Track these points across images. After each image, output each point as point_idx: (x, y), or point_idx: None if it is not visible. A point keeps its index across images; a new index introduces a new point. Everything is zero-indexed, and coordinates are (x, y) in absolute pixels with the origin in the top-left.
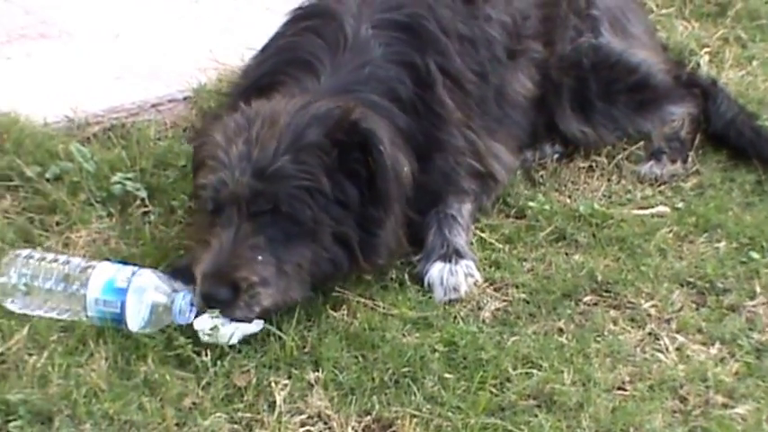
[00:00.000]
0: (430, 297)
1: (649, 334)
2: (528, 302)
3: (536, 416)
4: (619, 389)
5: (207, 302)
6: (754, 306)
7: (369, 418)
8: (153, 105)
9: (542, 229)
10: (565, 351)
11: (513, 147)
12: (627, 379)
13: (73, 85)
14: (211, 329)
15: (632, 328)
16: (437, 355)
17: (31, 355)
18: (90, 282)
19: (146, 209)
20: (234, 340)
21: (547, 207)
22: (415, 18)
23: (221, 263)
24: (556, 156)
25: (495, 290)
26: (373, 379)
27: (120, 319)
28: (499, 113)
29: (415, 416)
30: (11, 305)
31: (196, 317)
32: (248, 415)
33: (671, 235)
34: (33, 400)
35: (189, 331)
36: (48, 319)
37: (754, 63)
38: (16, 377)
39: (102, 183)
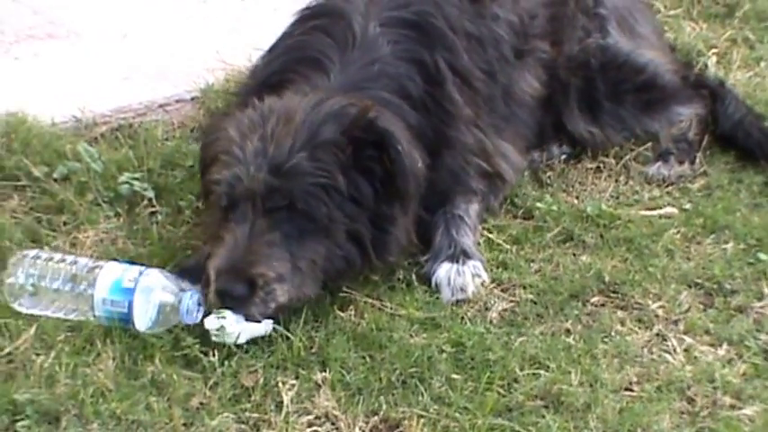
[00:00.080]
0: (437, 298)
1: (657, 335)
2: (535, 303)
3: (543, 416)
4: (626, 390)
5: (222, 299)
6: (761, 307)
7: (376, 418)
8: (160, 105)
9: (550, 230)
10: (572, 352)
11: (520, 146)
12: (634, 380)
13: (81, 86)
14: (218, 329)
15: (640, 328)
16: (444, 355)
17: (38, 354)
18: (97, 282)
19: (153, 209)
20: (242, 340)
21: (554, 208)
22: (423, 15)
23: (237, 258)
24: (563, 156)
25: (502, 290)
26: (380, 379)
27: (127, 319)
28: (507, 112)
29: (422, 416)
30: (18, 306)
31: (204, 316)
32: (256, 415)
33: (678, 236)
34: (41, 400)
35: (196, 331)
36: (55, 319)
37: (762, 64)
38: (24, 377)
39: (110, 183)
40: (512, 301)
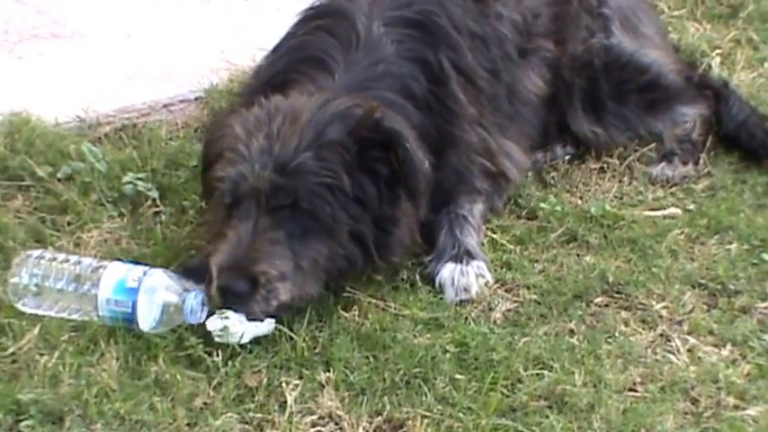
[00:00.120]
0: (441, 298)
1: (661, 335)
2: (539, 303)
3: (547, 417)
4: (630, 390)
5: (224, 295)
6: (765, 308)
7: (380, 418)
8: (164, 106)
9: (554, 231)
10: (576, 352)
11: (524, 145)
12: (638, 380)
13: (84, 86)
14: (221, 330)
15: (643, 329)
16: (448, 355)
17: (42, 354)
18: (101, 282)
19: (157, 209)
20: (245, 339)
21: (558, 208)
22: (427, 15)
23: (239, 256)
24: (567, 157)
25: (506, 291)
26: (384, 379)
27: (131, 319)
28: (511, 111)
29: (426, 416)
30: (22, 306)
31: (208, 316)
32: (259, 415)
33: (682, 236)
34: (44, 400)
35: (200, 331)
36: (59, 319)
37: (766, 65)
38: (27, 377)
39: (114, 183)
40: (515, 302)
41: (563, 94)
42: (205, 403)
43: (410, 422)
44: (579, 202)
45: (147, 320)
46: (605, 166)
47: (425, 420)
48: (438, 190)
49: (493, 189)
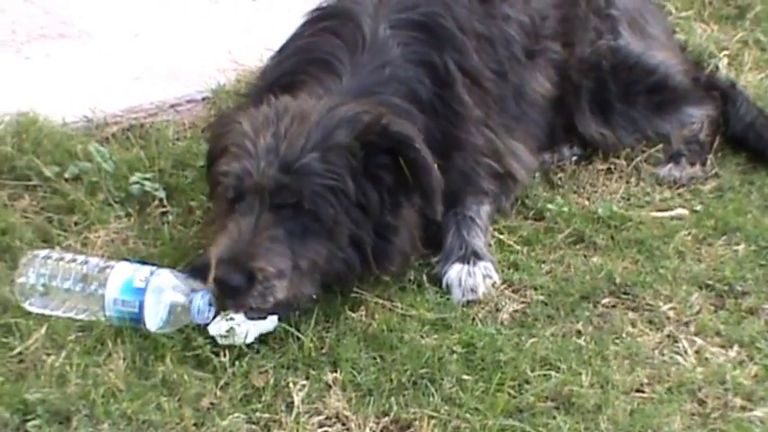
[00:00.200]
0: (448, 298)
1: (668, 336)
2: (546, 304)
3: (554, 418)
4: (637, 391)
5: (220, 288)
6: None
7: (387, 419)
8: (172, 106)
9: (561, 231)
10: (583, 353)
11: (532, 146)
12: (645, 381)
13: (92, 85)
14: (227, 332)
15: (651, 330)
16: (455, 356)
17: (49, 354)
18: (108, 282)
19: (164, 209)
20: (250, 339)
21: (565, 209)
22: (432, 17)
23: (238, 250)
24: (574, 158)
25: (513, 291)
26: (391, 380)
27: (138, 319)
28: (518, 112)
29: (433, 417)
30: (29, 305)
31: (215, 316)
32: (266, 415)
33: (689, 237)
34: (51, 400)
35: (207, 331)
36: (66, 318)
37: None
38: (34, 377)
39: (121, 183)
40: (523, 303)
41: (570, 96)
42: (212, 403)
43: (417, 423)
44: (586, 203)
45: (154, 320)
46: (612, 167)
47: (432, 421)
48: (444, 192)
49: (500, 190)
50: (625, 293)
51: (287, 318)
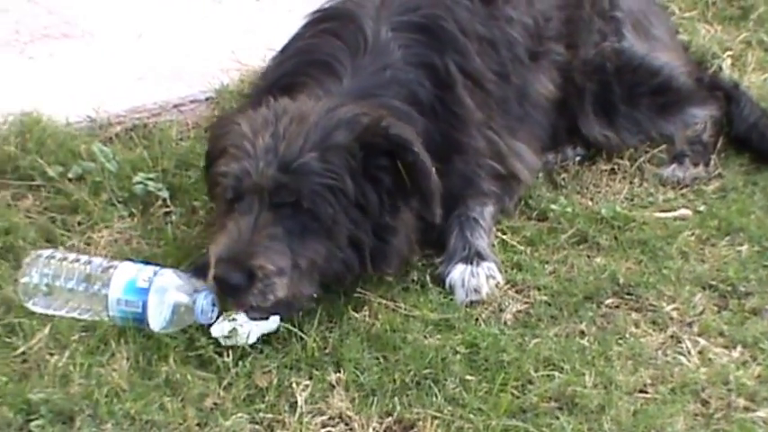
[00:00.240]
0: (451, 299)
1: (671, 337)
2: (550, 305)
3: (557, 418)
4: (640, 392)
5: (220, 287)
6: None
7: (390, 419)
8: (175, 106)
9: (564, 232)
10: (586, 353)
11: (535, 147)
12: (648, 382)
13: (95, 86)
14: (230, 332)
15: (654, 330)
16: (458, 356)
17: (52, 354)
18: (112, 282)
19: (167, 209)
20: (252, 339)
21: (569, 210)
22: (433, 19)
23: (238, 248)
24: (578, 158)
25: (516, 292)
26: (394, 380)
27: (141, 319)
28: (521, 113)
29: (436, 417)
30: (32, 305)
31: (217, 318)
32: (269, 415)
33: (693, 238)
34: (55, 400)
35: (210, 332)
36: (69, 318)
37: None
38: (38, 377)
39: (124, 183)
40: (526, 303)
41: (574, 99)
42: (215, 403)
43: (420, 423)
44: (590, 203)
45: (157, 320)
46: (616, 167)
47: (436, 421)
48: (445, 194)
49: (503, 190)
50: (628, 294)
51: (289, 318)
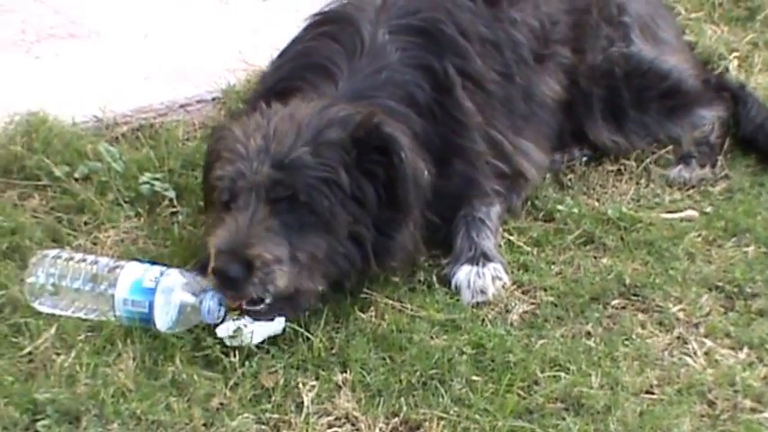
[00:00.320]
0: (458, 299)
1: (677, 338)
2: (556, 305)
3: (564, 419)
4: (647, 392)
5: (219, 279)
6: None
7: (396, 419)
8: (181, 106)
9: (570, 233)
10: (593, 354)
11: (543, 145)
12: (655, 383)
13: (102, 85)
14: (234, 332)
15: (660, 331)
16: (465, 357)
17: (58, 354)
18: (118, 282)
19: (174, 209)
20: (257, 339)
21: (575, 210)
22: (433, 22)
23: (235, 240)
24: (584, 159)
25: (523, 293)
26: (401, 381)
27: (148, 319)
28: (526, 111)
29: (442, 418)
30: (39, 305)
31: (224, 317)
32: (276, 416)
33: (699, 239)
34: (61, 400)
35: (216, 332)
36: (75, 318)
37: None
38: (44, 377)
39: (131, 183)
40: (532, 304)
41: (581, 104)
42: (221, 404)
43: (427, 423)
44: (596, 204)
45: (163, 320)
46: (622, 168)
47: (442, 422)
48: (446, 195)
49: (510, 189)
50: (635, 295)
51: (296, 318)
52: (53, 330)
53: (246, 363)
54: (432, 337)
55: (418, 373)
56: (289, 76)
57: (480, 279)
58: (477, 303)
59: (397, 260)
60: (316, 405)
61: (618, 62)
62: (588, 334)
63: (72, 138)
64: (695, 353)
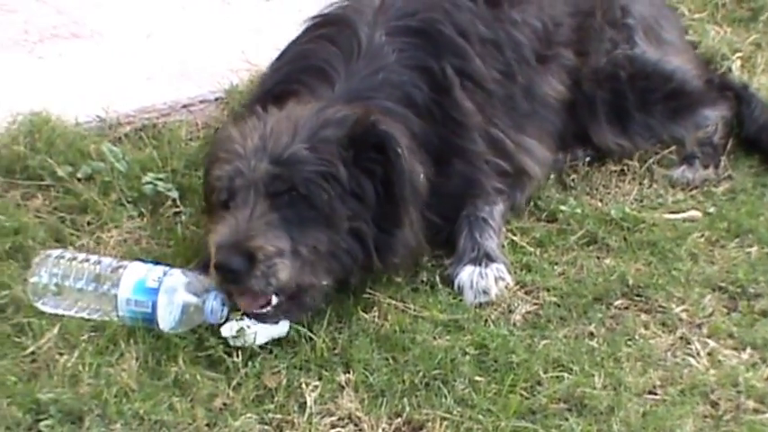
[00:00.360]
0: (461, 300)
1: (680, 338)
2: (559, 306)
3: (566, 419)
4: (650, 393)
5: (222, 274)
6: None
7: (399, 420)
8: (184, 106)
9: (573, 233)
10: (596, 355)
11: (547, 142)
12: (658, 383)
13: (104, 85)
14: (237, 332)
15: (663, 332)
16: (468, 357)
17: (61, 354)
18: (121, 282)
19: (177, 209)
20: (260, 340)
21: (578, 211)
22: (430, 23)
23: (236, 234)
24: (587, 159)
25: (526, 293)
26: (404, 381)
27: (151, 319)
28: (529, 109)
29: (445, 418)
30: (42, 305)
31: (227, 317)
32: (279, 416)
33: (702, 239)
34: (64, 400)
35: (220, 332)
36: (78, 318)
37: None
38: (47, 376)
39: (134, 183)
40: (535, 304)
41: (584, 108)
42: (224, 404)
43: (429, 424)
44: (599, 204)
45: (167, 321)
46: (625, 168)
47: (445, 422)
48: (446, 195)
49: (513, 187)
50: (638, 295)
51: (301, 319)
52: (56, 330)
53: (249, 363)
54: (435, 338)
55: (421, 374)
56: (286, 79)
57: (483, 280)
58: (480, 304)
59: (399, 256)
60: (319, 405)
61: (622, 65)
62: (591, 334)
63: (75, 138)
64: (698, 353)
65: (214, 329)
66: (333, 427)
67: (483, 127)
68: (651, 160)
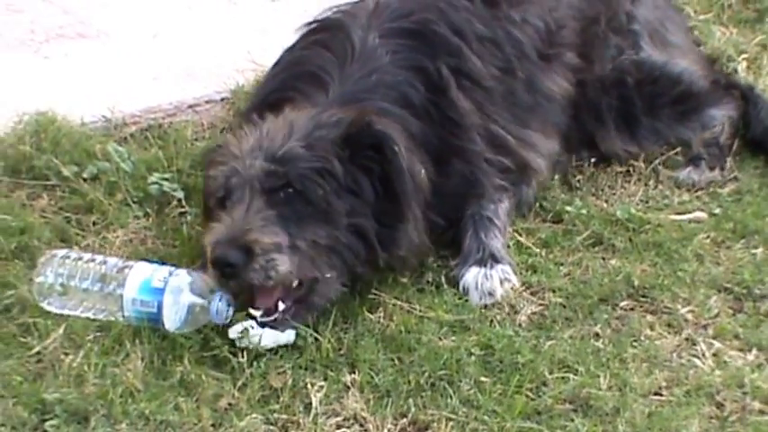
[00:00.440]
0: (466, 300)
1: (686, 339)
2: (564, 307)
3: (572, 420)
4: (655, 394)
5: (219, 268)
6: None
7: (405, 420)
8: (190, 106)
9: (579, 234)
10: (601, 356)
11: (551, 133)
12: (663, 384)
13: (110, 85)
14: (241, 333)
15: (669, 333)
16: (473, 358)
17: (67, 354)
18: (127, 282)
19: (182, 209)
20: (264, 342)
21: (584, 211)
22: (425, 23)
23: (232, 230)
24: (593, 160)
25: (531, 294)
26: (409, 382)
27: (156, 320)
28: (531, 102)
29: (450, 419)
30: (47, 305)
31: (231, 321)
32: (284, 416)
33: (708, 240)
34: (69, 400)
35: (226, 332)
36: (84, 318)
37: None
38: (52, 376)
39: (139, 183)
40: (541, 305)
41: (591, 116)
42: (230, 404)
43: (435, 424)
44: (605, 205)
45: (172, 321)
46: (631, 169)
47: (450, 423)
48: (446, 194)
49: (519, 182)
50: (643, 296)
51: (308, 321)
52: (62, 330)
53: (255, 363)
54: (440, 338)
55: (426, 374)
56: (281, 86)
57: (488, 281)
58: (485, 305)
59: (404, 249)
60: (324, 406)
61: (629, 70)
62: (597, 335)
63: (81, 138)
64: (704, 354)
65: (220, 329)
66: (338, 427)
67: (482, 125)
68: (657, 161)
